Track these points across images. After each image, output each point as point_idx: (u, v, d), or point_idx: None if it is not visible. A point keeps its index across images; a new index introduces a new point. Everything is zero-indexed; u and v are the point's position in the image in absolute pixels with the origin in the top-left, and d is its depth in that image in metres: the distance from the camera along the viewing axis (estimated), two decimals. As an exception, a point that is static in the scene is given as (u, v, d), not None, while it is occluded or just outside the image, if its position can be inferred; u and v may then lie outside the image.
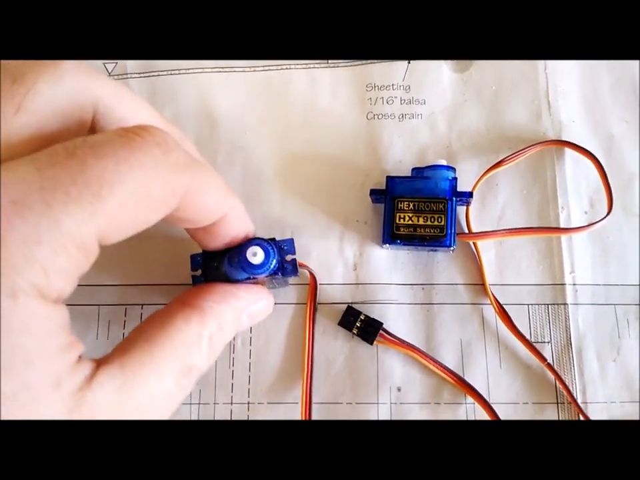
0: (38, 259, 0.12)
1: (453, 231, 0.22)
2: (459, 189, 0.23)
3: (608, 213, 0.23)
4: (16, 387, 0.12)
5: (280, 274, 0.20)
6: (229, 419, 0.23)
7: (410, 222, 0.23)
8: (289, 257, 0.20)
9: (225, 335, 0.18)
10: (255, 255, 0.18)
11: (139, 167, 0.14)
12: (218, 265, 0.20)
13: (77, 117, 0.16)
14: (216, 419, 0.23)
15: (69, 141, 0.13)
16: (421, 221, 0.23)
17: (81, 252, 0.13)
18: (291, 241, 0.21)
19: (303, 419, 0.22)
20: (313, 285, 0.24)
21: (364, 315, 0.23)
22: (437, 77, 0.26)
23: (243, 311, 0.19)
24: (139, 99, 0.18)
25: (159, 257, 0.24)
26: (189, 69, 0.26)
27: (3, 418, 0.12)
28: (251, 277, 0.19)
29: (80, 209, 0.13)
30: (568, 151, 0.25)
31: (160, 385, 0.15)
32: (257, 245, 0.19)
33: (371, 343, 0.23)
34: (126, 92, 0.17)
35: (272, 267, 0.19)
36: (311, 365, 0.23)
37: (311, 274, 0.23)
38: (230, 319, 0.18)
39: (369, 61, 0.26)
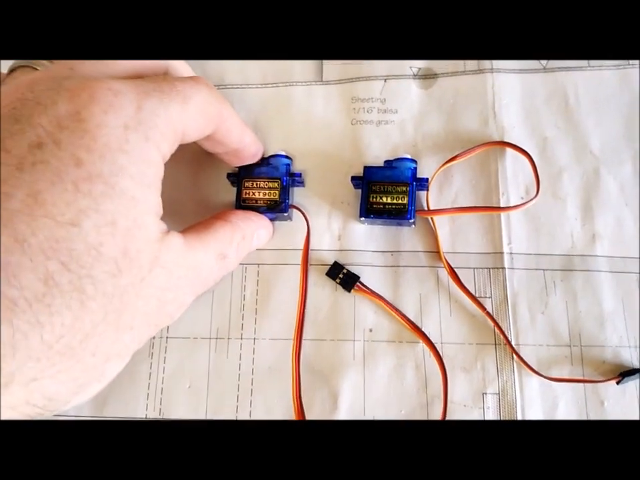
0: (158, 125, 0.20)
1: (412, 208, 0.29)
2: (419, 177, 0.30)
3: (536, 195, 0.30)
4: (140, 194, 0.20)
5: (290, 181, 0.30)
6: (239, 351, 0.30)
7: (380, 201, 0.30)
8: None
9: (245, 243, 0.27)
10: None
11: (201, 92, 0.23)
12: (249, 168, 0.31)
13: (156, 70, 0.25)
14: (229, 350, 0.30)
15: (159, 75, 0.25)
16: (389, 200, 0.30)
17: (175, 133, 0.22)
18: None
19: (295, 352, 0.29)
20: (307, 231, 0.31)
21: (346, 269, 0.30)
22: (407, 92, 0.33)
23: (255, 231, 0.28)
24: (192, 70, 0.29)
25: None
26: (215, 85, 0.34)
27: (122, 208, 0.19)
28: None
29: (176, 104, 0.21)
30: (509, 150, 0.32)
31: (206, 257, 0.24)
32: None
33: (349, 291, 0.30)
34: (185, 64, 0.28)
35: (287, 168, 0.30)
36: (303, 309, 0.30)
37: (304, 215, 0.31)
38: (248, 233, 0.27)
39: (353, 79, 0.34)
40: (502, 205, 0.31)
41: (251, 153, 0.29)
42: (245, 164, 0.30)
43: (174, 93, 0.21)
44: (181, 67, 0.27)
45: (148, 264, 0.20)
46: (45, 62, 0.25)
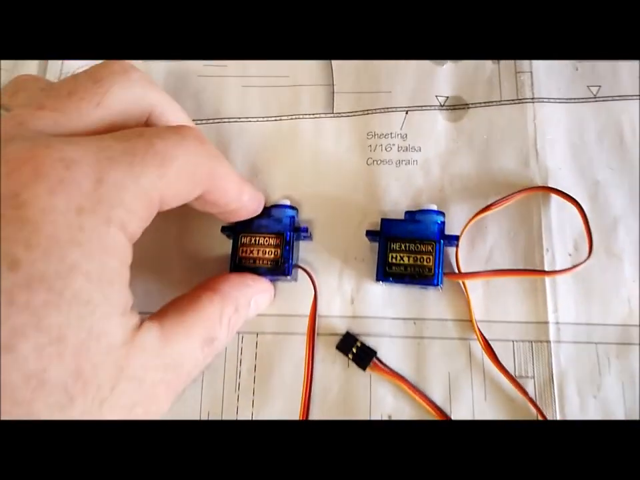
0: (125, 201, 0.16)
1: (440, 271, 0.24)
2: (449, 231, 0.25)
3: (588, 257, 0.25)
4: (98, 296, 0.15)
5: (294, 236, 0.26)
6: (234, 437, 0.25)
7: (401, 261, 0.25)
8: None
9: (239, 316, 0.22)
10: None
11: (188, 150, 0.18)
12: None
13: (137, 116, 0.20)
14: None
15: (136, 128, 0.18)
16: (411, 261, 0.25)
17: (150, 206, 0.17)
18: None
19: (300, 440, 0.24)
20: (314, 296, 0.26)
21: (360, 342, 0.25)
22: (432, 125, 0.28)
23: (252, 297, 0.23)
24: (182, 109, 0.23)
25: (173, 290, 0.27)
26: (209, 119, 0.29)
27: (72, 319, 0.15)
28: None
29: (151, 171, 0.17)
30: (554, 197, 0.27)
31: (189, 347, 0.19)
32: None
33: (364, 369, 0.25)
34: (173, 103, 0.22)
35: (291, 221, 0.25)
36: (309, 390, 0.25)
37: (311, 276, 0.26)
38: (243, 302, 0.22)
39: (369, 111, 0.29)
40: (546, 264, 0.26)
41: (249, 211, 0.25)
42: (242, 220, 0.25)
43: (150, 155, 0.17)
44: (169, 108, 0.22)
45: (110, 381, 0.16)
46: None
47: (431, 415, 0.24)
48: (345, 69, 0.30)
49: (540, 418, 0.24)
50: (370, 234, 0.26)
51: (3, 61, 0.31)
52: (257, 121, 0.29)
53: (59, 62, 0.31)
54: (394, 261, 0.25)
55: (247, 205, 0.24)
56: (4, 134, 0.16)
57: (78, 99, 0.18)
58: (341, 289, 0.27)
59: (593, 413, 0.24)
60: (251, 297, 0.24)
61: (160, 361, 0.18)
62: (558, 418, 0.24)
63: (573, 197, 0.26)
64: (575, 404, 0.24)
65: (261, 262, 0.25)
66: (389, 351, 0.26)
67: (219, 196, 0.21)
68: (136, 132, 0.18)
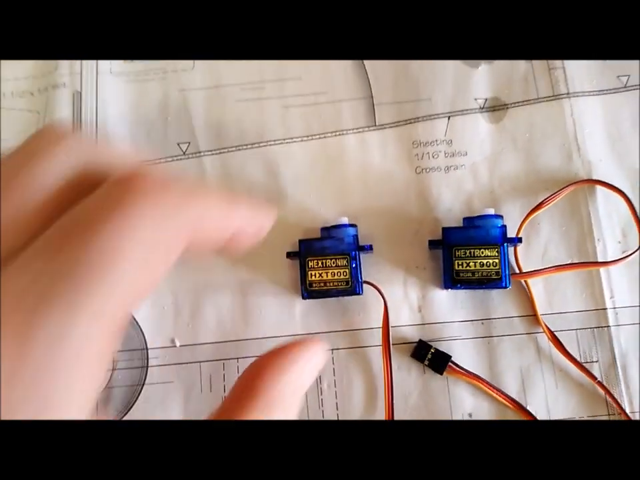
0: (73, 347, 0.11)
1: (507, 273, 0.26)
2: (509, 236, 0.26)
3: (639, 247, 0.26)
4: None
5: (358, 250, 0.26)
6: (324, 452, 0.26)
7: (468, 268, 0.26)
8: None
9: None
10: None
11: (139, 226, 0.12)
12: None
13: (77, 185, 0.14)
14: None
15: (62, 220, 0.13)
16: (478, 266, 0.26)
17: (110, 323, 0.12)
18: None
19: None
20: (385, 309, 0.26)
21: (434, 348, 0.26)
22: (475, 129, 0.29)
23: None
24: (129, 145, 0.18)
25: (247, 316, 0.27)
26: (254, 144, 0.29)
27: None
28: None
29: (96, 291, 0.11)
30: (599, 188, 0.28)
31: None
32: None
33: (441, 373, 0.26)
34: (112, 145, 0.15)
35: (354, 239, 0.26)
36: (391, 398, 0.26)
37: (379, 290, 0.26)
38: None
39: (411, 120, 0.29)
40: (599, 253, 0.27)
41: (249, 237, 0.17)
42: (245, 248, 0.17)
43: (87, 270, 0.12)
44: (106, 155, 0.15)
45: None
46: None
47: (509, 409, 0.26)
48: (382, 80, 0.30)
49: (608, 398, 0.26)
50: (432, 243, 0.27)
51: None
52: (302, 140, 0.29)
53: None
54: (460, 267, 0.26)
55: (243, 230, 0.17)
56: None
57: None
58: (407, 298, 0.28)
59: (655, 388, 0.26)
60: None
61: None
62: (624, 396, 0.26)
63: (618, 187, 0.27)
64: (638, 381, 0.26)
65: (331, 284, 0.26)
66: (461, 353, 0.27)
67: (205, 236, 0.15)
68: (62, 230, 0.12)
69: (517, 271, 0.27)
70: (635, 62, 0.30)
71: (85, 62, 0.31)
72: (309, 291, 0.26)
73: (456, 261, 0.26)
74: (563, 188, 0.28)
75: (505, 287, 0.25)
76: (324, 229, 0.27)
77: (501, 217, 0.27)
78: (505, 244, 0.26)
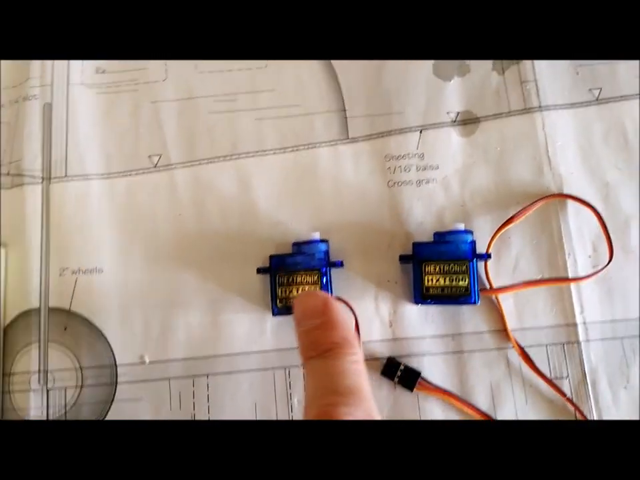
0: None
1: (476, 289, 0.25)
2: (478, 252, 0.26)
3: (609, 261, 0.26)
4: None
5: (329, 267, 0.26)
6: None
7: (437, 283, 0.26)
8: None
9: None
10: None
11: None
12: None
13: None
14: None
15: None
16: (447, 282, 0.26)
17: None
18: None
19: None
20: (356, 325, 0.25)
21: (403, 364, 0.26)
22: (447, 142, 0.29)
23: None
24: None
25: (217, 332, 0.27)
26: (226, 156, 0.29)
27: None
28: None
29: None
30: (570, 202, 0.28)
31: None
32: None
33: (411, 390, 0.26)
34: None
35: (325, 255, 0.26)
36: (361, 416, 0.26)
37: (349, 306, 0.25)
38: None
39: (384, 134, 0.29)
40: (569, 267, 0.27)
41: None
42: None
43: None
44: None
45: None
46: None
47: (479, 424, 0.26)
48: (355, 93, 0.30)
49: (578, 414, 0.26)
50: (403, 258, 0.27)
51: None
52: (275, 153, 0.29)
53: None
54: (430, 283, 0.26)
55: None
56: None
57: None
58: (379, 313, 0.27)
59: (624, 403, 0.26)
60: None
61: None
62: (594, 412, 0.26)
63: (588, 201, 0.27)
64: (607, 397, 0.26)
65: (301, 298, 0.26)
66: (431, 369, 0.27)
67: None
68: None
69: (487, 286, 0.27)
70: (607, 74, 0.30)
71: (55, 73, 0.30)
72: (279, 307, 0.26)
73: (426, 277, 0.26)
74: (534, 202, 0.28)
75: (474, 303, 0.25)
76: (295, 244, 0.27)
77: (470, 232, 0.27)
78: (475, 259, 0.26)
